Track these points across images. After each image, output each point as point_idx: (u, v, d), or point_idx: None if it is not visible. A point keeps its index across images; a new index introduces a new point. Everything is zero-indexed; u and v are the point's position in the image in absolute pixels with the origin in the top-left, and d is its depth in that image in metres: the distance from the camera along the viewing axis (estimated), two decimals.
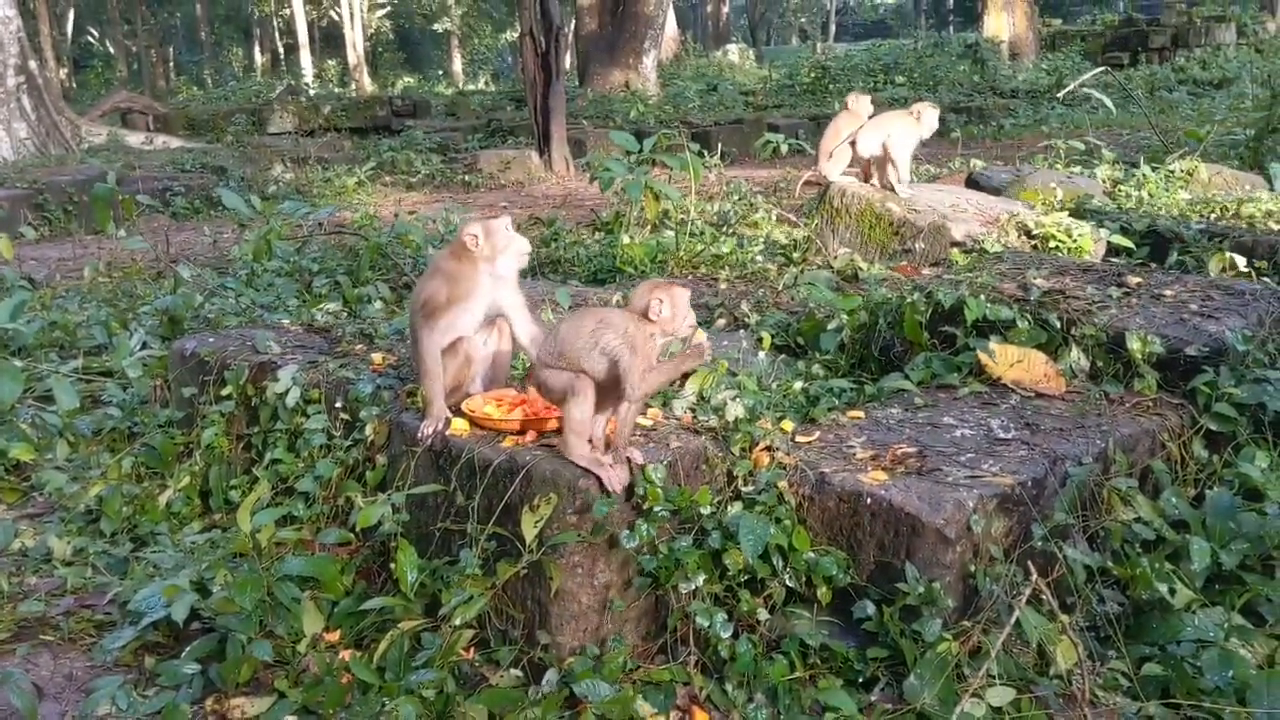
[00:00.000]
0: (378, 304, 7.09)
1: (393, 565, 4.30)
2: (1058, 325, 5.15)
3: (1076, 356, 5.02)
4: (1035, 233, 8.27)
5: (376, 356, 5.39)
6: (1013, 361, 4.98)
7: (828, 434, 4.53)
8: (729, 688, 3.92)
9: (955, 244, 8.19)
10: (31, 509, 5.56)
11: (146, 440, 5.62)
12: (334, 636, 4.24)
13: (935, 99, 18.43)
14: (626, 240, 8.63)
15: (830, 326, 5.90)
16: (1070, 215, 8.52)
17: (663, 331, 3.97)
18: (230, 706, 3.98)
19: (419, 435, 4.45)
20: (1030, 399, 4.83)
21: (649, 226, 9.30)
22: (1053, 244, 8.00)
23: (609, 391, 4.00)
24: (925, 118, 8.69)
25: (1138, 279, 5.73)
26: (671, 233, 8.85)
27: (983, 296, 5.32)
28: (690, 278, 7.81)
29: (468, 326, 4.56)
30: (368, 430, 4.82)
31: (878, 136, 8.67)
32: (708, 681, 3.97)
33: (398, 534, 4.34)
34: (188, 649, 4.14)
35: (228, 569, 4.25)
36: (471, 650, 4.19)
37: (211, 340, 5.75)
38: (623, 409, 4.00)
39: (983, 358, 5.02)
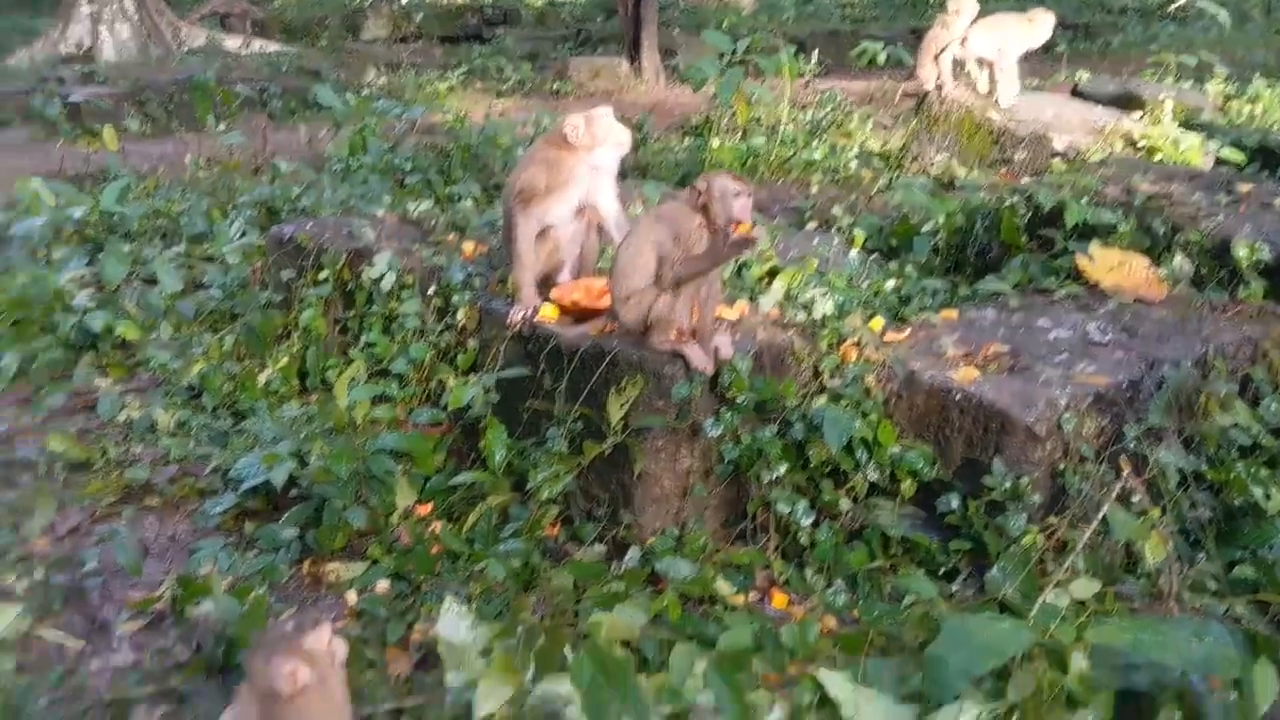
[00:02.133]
0: (468, 202, 7.14)
1: (482, 445, 4.40)
2: (1161, 231, 5.01)
3: (1179, 262, 4.88)
4: (1141, 145, 8.02)
5: (468, 246, 5.45)
6: (1112, 266, 4.86)
7: (918, 333, 4.49)
8: (808, 573, 3.97)
9: (1056, 154, 7.97)
10: (137, 384, 5.76)
11: (246, 321, 5.77)
12: (425, 509, 4.37)
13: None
14: (716, 144, 8.54)
15: (925, 229, 5.82)
16: (1180, 127, 8.23)
17: (709, 220, 3.89)
18: (325, 570, 4.14)
19: (509, 320, 4.52)
20: (1129, 304, 4.72)
21: (740, 132, 9.19)
22: (1159, 156, 7.75)
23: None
24: (1040, 22, 8.40)
25: (1247, 186, 5.53)
26: (762, 138, 8.73)
27: (1085, 200, 5.19)
28: (780, 183, 7.73)
29: (561, 215, 4.59)
30: (459, 315, 4.89)
31: (988, 37, 8.40)
32: (786, 566, 4.03)
33: (487, 414, 4.44)
34: (286, 515, 4.30)
35: (325, 441, 4.38)
36: (556, 527, 4.29)
37: (309, 226, 5.86)
38: (700, 297, 3.99)
39: (1081, 261, 4.91)
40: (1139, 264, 4.88)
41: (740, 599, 3.86)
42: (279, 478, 4.24)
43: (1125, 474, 3.52)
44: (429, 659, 3.59)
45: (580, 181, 4.54)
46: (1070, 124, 8.32)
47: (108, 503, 4.61)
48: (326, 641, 2.71)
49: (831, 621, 3.76)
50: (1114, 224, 5.06)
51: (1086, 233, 5.11)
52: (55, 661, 3.63)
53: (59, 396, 5.54)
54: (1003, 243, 5.41)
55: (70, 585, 4.03)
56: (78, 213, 7.34)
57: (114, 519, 4.49)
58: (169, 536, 4.41)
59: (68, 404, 5.52)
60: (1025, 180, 7.63)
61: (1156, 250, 5.00)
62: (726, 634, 3.60)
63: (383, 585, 4.01)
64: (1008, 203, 5.39)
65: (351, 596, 3.96)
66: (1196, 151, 7.58)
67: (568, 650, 3.44)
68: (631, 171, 8.79)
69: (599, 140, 4.53)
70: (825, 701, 3.27)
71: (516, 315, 4.50)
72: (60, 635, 3.77)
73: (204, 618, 3.81)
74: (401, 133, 9.83)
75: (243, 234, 7.06)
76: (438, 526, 4.20)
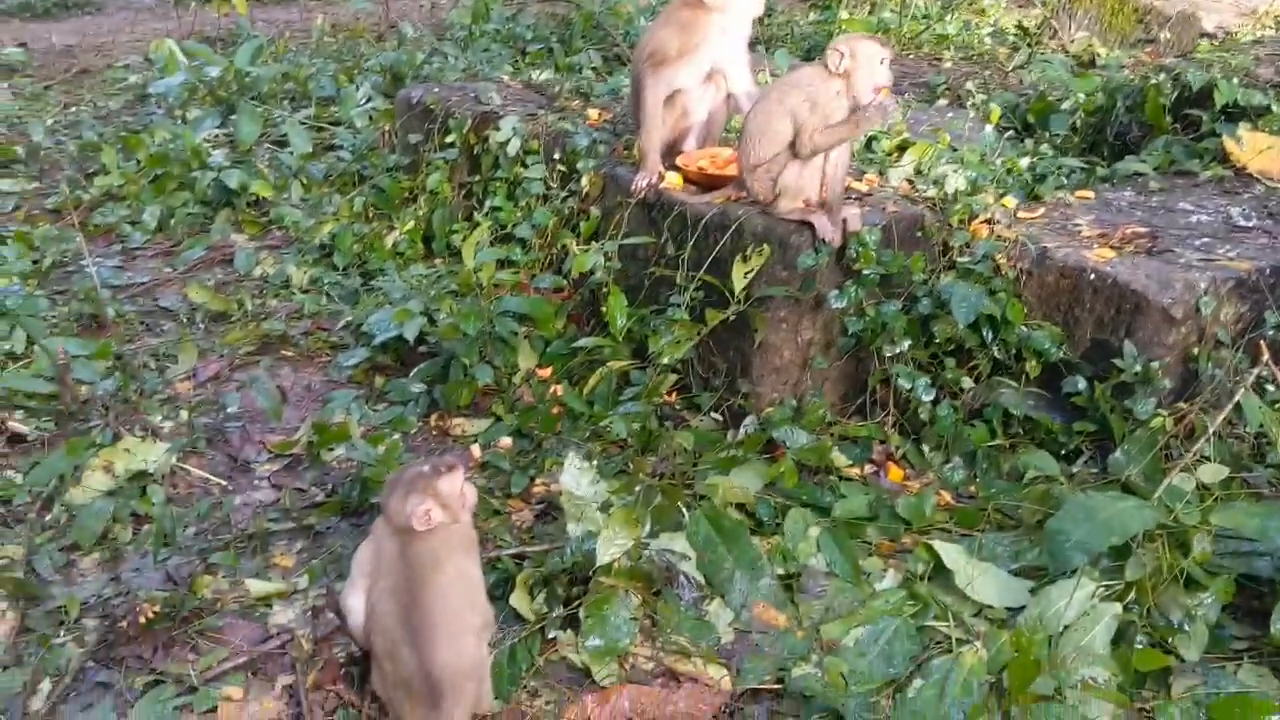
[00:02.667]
0: (589, 72, 7.09)
1: (603, 310, 4.46)
2: None
3: None
4: None
5: (592, 113, 5.44)
6: (1261, 149, 4.64)
7: (1052, 211, 4.37)
8: (925, 449, 3.97)
9: (1205, 35, 7.56)
10: (270, 241, 5.96)
11: (375, 183, 5.89)
12: (546, 372, 4.47)
13: None
14: (845, 16, 8.28)
15: (1063, 107, 5.60)
16: None
17: (849, 87, 3.78)
18: (452, 424, 4.29)
19: (633, 187, 4.52)
20: (1277, 189, 4.51)
21: (869, 4, 8.90)
22: None
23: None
24: None
25: None
26: (892, 12, 8.44)
27: (1235, 80, 4.93)
28: (911, 58, 7.49)
29: (691, 79, 4.52)
30: (583, 181, 4.91)
31: None
32: (904, 442, 4.03)
33: (609, 281, 4.48)
34: (415, 370, 4.45)
35: (452, 300, 4.49)
36: (674, 394, 4.35)
37: (436, 90, 5.90)
38: (829, 167, 3.93)
39: (1228, 143, 4.69)
40: None
41: (856, 471, 3.90)
42: (410, 332, 4.37)
43: (1265, 359, 3.41)
44: (549, 511, 3.72)
45: (712, 45, 4.46)
46: (1221, 3, 7.85)
47: (245, 352, 4.82)
48: (459, 485, 2.82)
49: (948, 496, 3.78)
50: (1265, 106, 4.82)
51: (1235, 115, 4.87)
52: (201, 496, 3.86)
53: (198, 250, 5.77)
54: (1144, 123, 5.19)
55: (213, 427, 4.25)
56: (213, 72, 7.50)
57: (252, 367, 4.70)
58: (304, 386, 4.61)
59: (206, 257, 5.75)
60: (1170, 60, 7.28)
61: None
62: (842, 501, 3.66)
63: (506, 441, 4.14)
64: (1153, 81, 5.15)
65: (476, 450, 4.10)
66: None
67: (684, 509, 3.53)
68: (757, 44, 8.60)
69: (727, 4, 4.43)
70: (939, 571, 3.31)
71: (641, 182, 4.49)
72: (205, 472, 4.00)
73: (339, 461, 4.01)
74: (523, 1, 9.76)
75: (369, 99, 7.15)
76: (559, 388, 4.30)
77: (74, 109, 8.25)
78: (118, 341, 4.77)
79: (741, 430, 4.06)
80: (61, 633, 3.18)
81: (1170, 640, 3.01)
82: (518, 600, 3.20)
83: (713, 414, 4.24)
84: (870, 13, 8.83)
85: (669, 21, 4.47)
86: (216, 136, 6.98)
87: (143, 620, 3.14)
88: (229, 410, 4.34)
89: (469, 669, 2.74)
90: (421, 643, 2.68)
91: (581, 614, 3.13)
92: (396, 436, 4.01)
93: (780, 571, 3.41)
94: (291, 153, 6.51)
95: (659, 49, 4.41)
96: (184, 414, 4.29)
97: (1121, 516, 3.10)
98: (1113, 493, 3.30)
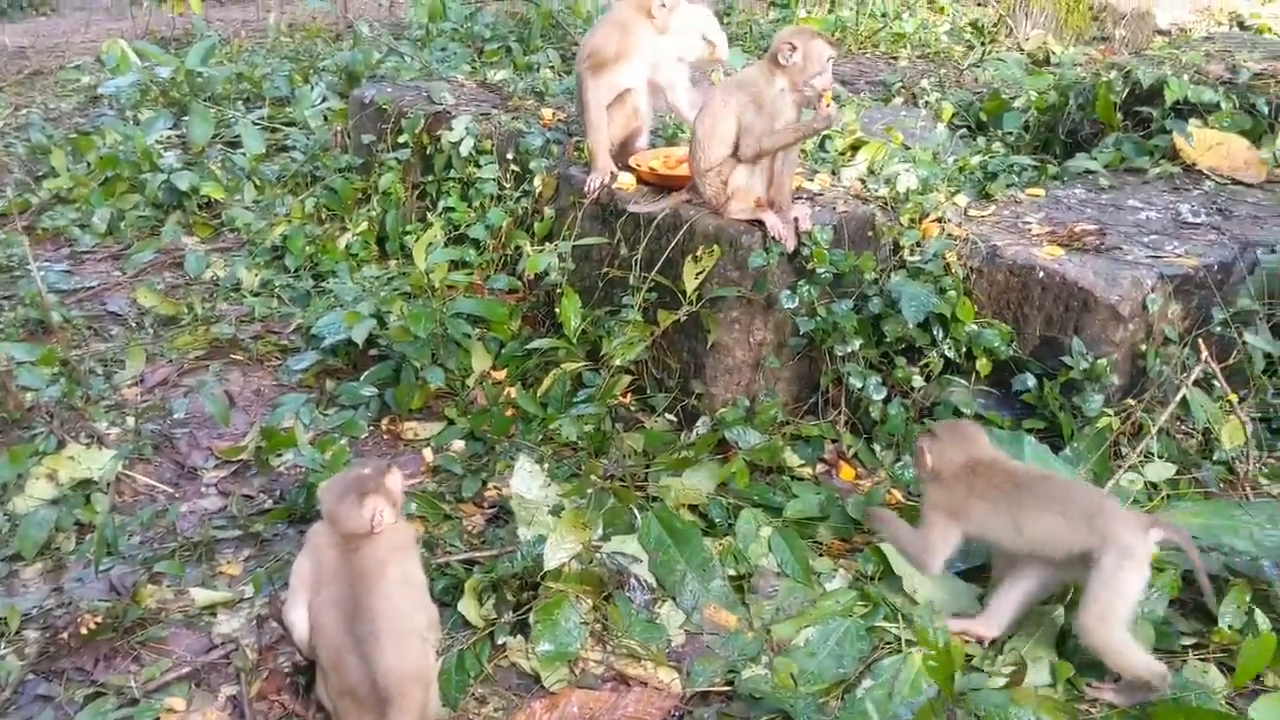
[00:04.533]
0: (547, 71, 7.05)
1: (557, 312, 4.43)
2: (1265, 111, 4.79)
3: None
4: (1250, 23, 7.62)
5: (546, 112, 5.41)
6: (1211, 145, 4.68)
7: (1003, 210, 4.38)
8: (877, 448, 3.98)
9: (1159, 31, 7.63)
10: (222, 243, 5.90)
11: (327, 184, 5.84)
12: (500, 374, 4.44)
13: None
14: (802, 15, 8.29)
15: (1015, 105, 5.62)
16: None
17: (793, 85, 3.76)
18: (403, 428, 4.25)
19: (586, 188, 4.50)
20: (1225, 185, 4.55)
21: (827, 2, 8.91)
22: (1268, 36, 7.36)
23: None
24: None
25: None
26: (850, 10, 8.46)
27: (1186, 77, 4.97)
28: (868, 56, 7.50)
29: (635, 80, 4.51)
30: (537, 182, 4.89)
31: None
32: (856, 440, 4.03)
33: (563, 282, 4.46)
34: (365, 373, 4.41)
35: (404, 302, 4.45)
36: (628, 395, 4.33)
37: (390, 90, 5.86)
38: (776, 167, 3.92)
39: (1178, 140, 4.72)
40: (1238, 145, 4.69)
41: (808, 470, 3.90)
42: (360, 335, 4.33)
43: (1204, 357, 3.43)
44: (501, 515, 3.69)
45: (650, 49, 4.45)
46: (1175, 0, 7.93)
47: (195, 356, 4.77)
48: (401, 483, 2.80)
49: (899, 495, 3.78)
50: (1215, 103, 4.85)
51: (1186, 111, 4.90)
52: (147, 503, 3.81)
53: (148, 253, 5.70)
54: (1096, 120, 5.21)
55: (160, 433, 4.19)
56: (164, 72, 7.41)
57: (201, 372, 4.65)
58: (253, 391, 4.56)
59: (156, 260, 5.68)
60: (1122, 58, 7.34)
61: (1258, 131, 4.79)
62: (793, 502, 3.65)
63: (458, 444, 4.11)
64: (1104, 79, 5.17)
65: (428, 454, 4.07)
66: None
67: (636, 511, 3.52)
68: None
69: (670, 28, 4.43)
70: (887, 572, 3.31)
71: (594, 183, 4.47)
72: (152, 480, 3.94)
73: (288, 467, 3.97)
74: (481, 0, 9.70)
75: (324, 99, 7.09)
76: (512, 391, 4.28)
77: (24, 111, 8.12)
78: (64, 347, 4.70)
79: (695, 431, 4.05)
80: (2, 644, 3.12)
81: None
82: (466, 606, 3.17)
83: (667, 415, 4.23)
84: (830, 10, 8.84)
85: (608, 23, 4.48)
86: (168, 138, 6.90)
87: (84, 631, 3.09)
88: (176, 416, 4.29)
89: (415, 674, 2.71)
90: (367, 649, 2.65)
91: (531, 619, 3.11)
92: (343, 442, 3.97)
93: (732, 572, 3.40)
94: (244, 154, 6.44)
95: (597, 50, 4.40)
96: (130, 420, 4.23)
97: None
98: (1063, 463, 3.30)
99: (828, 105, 3.77)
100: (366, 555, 2.71)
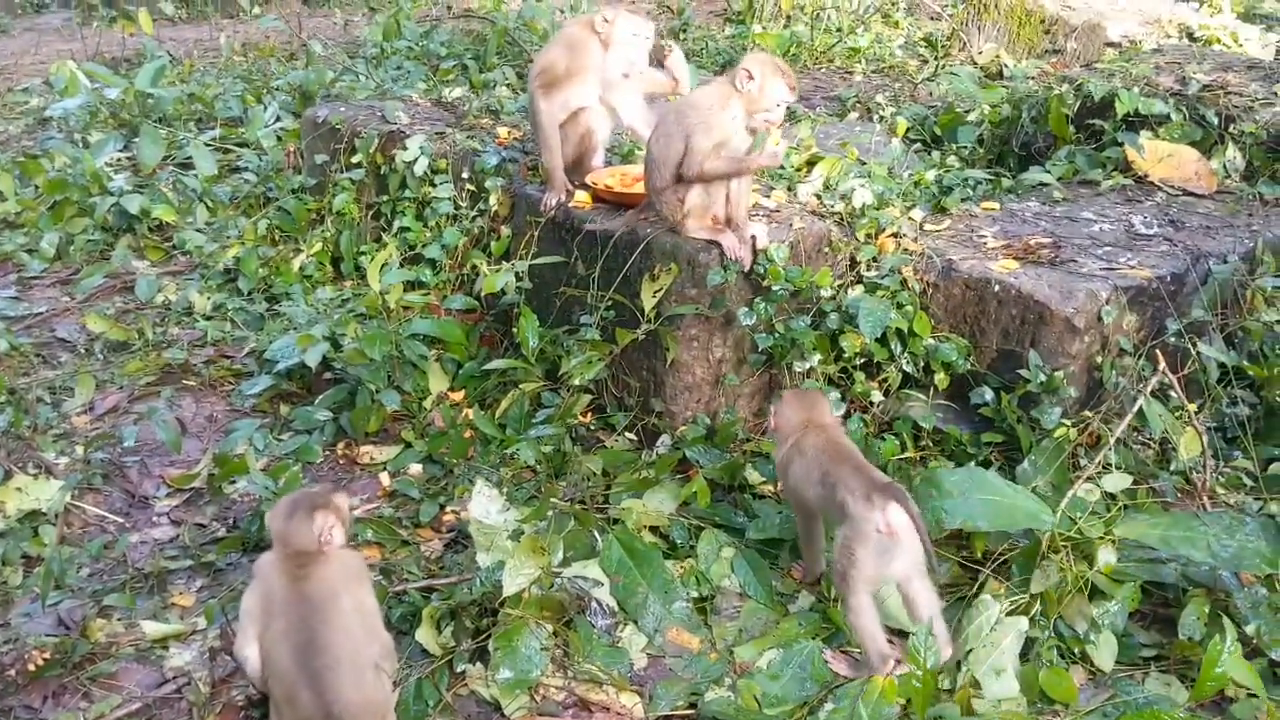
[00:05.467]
0: (503, 89, 7.03)
1: (514, 332, 4.39)
2: (1215, 122, 4.85)
3: (1232, 155, 4.73)
4: (1199, 35, 7.73)
5: (502, 131, 5.38)
6: (1162, 157, 4.73)
7: (958, 224, 4.40)
8: None
9: (1110, 44, 7.71)
10: (174, 266, 5.80)
11: (280, 205, 5.77)
12: (458, 396, 4.40)
13: None
14: (758, 30, 8.32)
15: (969, 119, 5.66)
16: (1239, 18, 7.93)
17: (748, 112, 3.74)
18: (360, 452, 4.19)
19: (542, 206, 4.47)
20: (1177, 196, 4.60)
21: (783, 19, 8.95)
22: (1217, 48, 7.46)
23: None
24: None
25: None
26: (805, 25, 8.50)
27: (1136, 89, 5.02)
28: (823, 71, 7.54)
29: (587, 98, 4.48)
30: (492, 201, 4.85)
31: None
32: None
33: (520, 302, 4.42)
34: (320, 397, 4.34)
35: (358, 324, 4.40)
36: (588, 415, 4.30)
37: (343, 109, 5.80)
38: (732, 185, 3.90)
39: (1130, 152, 4.77)
40: (1189, 156, 4.75)
41: (769, 488, 3.87)
42: (313, 359, 4.27)
43: (1160, 368, 3.45)
44: (460, 540, 3.65)
45: (599, 67, 4.43)
46: (1125, 13, 8.04)
47: (146, 382, 4.68)
48: (349, 503, 2.76)
49: None
50: (1166, 114, 4.90)
51: (1137, 123, 4.96)
52: (96, 534, 3.73)
53: (97, 278, 5.60)
54: (1049, 133, 5.26)
55: (110, 462, 4.11)
56: (113, 93, 7.31)
57: (152, 398, 4.56)
58: (206, 417, 4.48)
59: (106, 285, 5.58)
60: (1074, 71, 7.42)
61: (1209, 142, 4.86)
62: (755, 522, 3.63)
63: (416, 468, 4.06)
64: (1056, 91, 5.22)
65: (385, 478, 4.02)
66: (1256, 43, 7.30)
67: (597, 534, 3.48)
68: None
69: (616, 41, 4.41)
70: None
71: (550, 201, 4.45)
72: (102, 510, 3.86)
73: (241, 494, 3.90)
74: (437, 17, 9.66)
75: (277, 119, 7.01)
76: (470, 412, 4.23)
77: None
78: (11, 375, 4.61)
79: (655, 450, 4.02)
80: None
81: (1078, 651, 3.04)
82: (424, 635, 3.12)
83: (627, 434, 4.20)
84: (785, 26, 8.88)
85: (559, 42, 4.47)
86: (118, 160, 6.79)
87: (32, 668, 3.03)
88: (127, 444, 4.20)
89: (372, 705, 2.66)
90: (321, 683, 2.59)
91: (491, 646, 3.07)
92: (296, 468, 3.91)
93: (694, 594, 3.38)
94: (196, 175, 6.34)
95: (548, 68, 4.39)
96: (80, 449, 4.15)
97: (1014, 507, 3.14)
98: (1016, 487, 3.31)
99: (775, 144, 3.79)
100: (318, 583, 2.66)
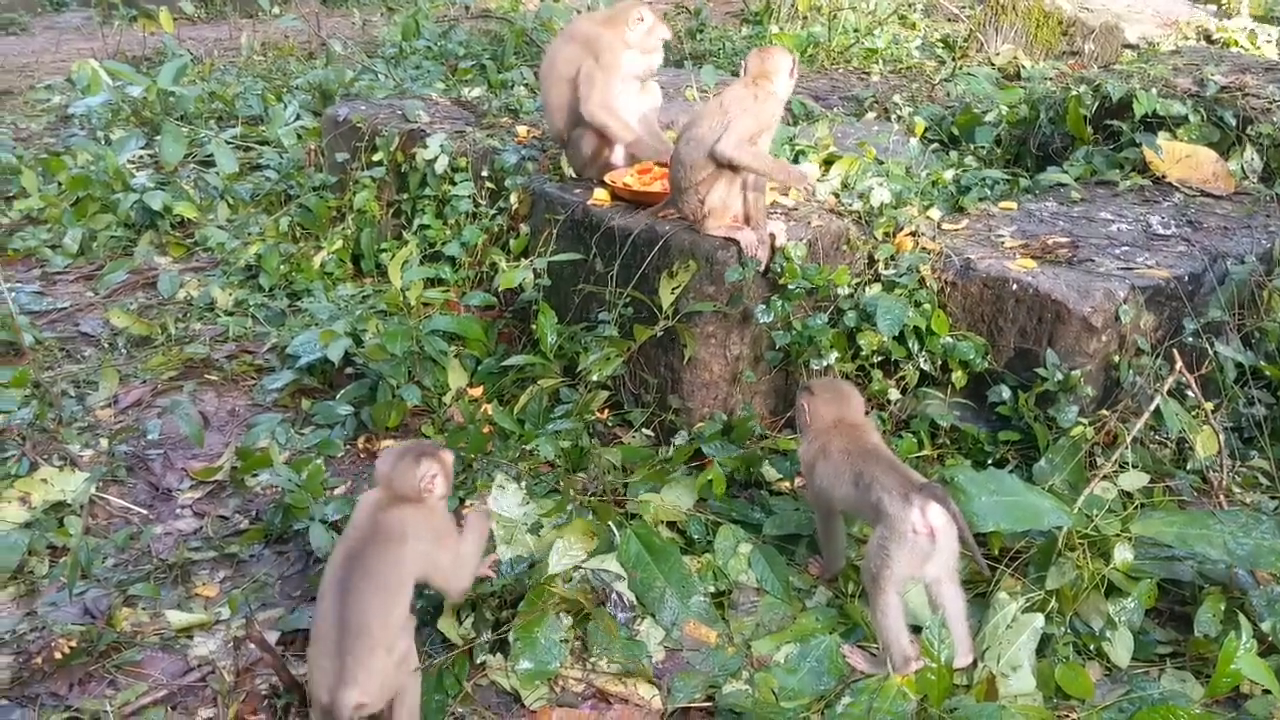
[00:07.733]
0: (521, 89, 7.07)
1: (533, 328, 4.43)
2: (1233, 123, 4.86)
3: (1250, 156, 4.74)
4: (1216, 37, 7.72)
5: (521, 129, 5.42)
6: (1180, 158, 4.73)
7: (976, 223, 4.42)
8: None
9: (1128, 46, 7.71)
10: (195, 263, 5.86)
11: (301, 202, 5.82)
12: (477, 391, 4.43)
13: None
14: (775, 31, 8.34)
15: (987, 119, 5.67)
16: (1257, 20, 7.91)
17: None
18: (380, 447, 4.23)
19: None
20: (1195, 197, 4.61)
21: (800, 19, 8.97)
22: (1235, 50, 7.45)
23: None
24: None
25: None
26: (822, 26, 8.52)
27: (1154, 90, 5.03)
28: (840, 71, 7.55)
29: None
30: (512, 199, 4.89)
31: None
32: None
33: (539, 298, 4.45)
34: (341, 392, 4.38)
35: (379, 320, 4.44)
36: (605, 411, 4.33)
37: (363, 108, 5.85)
38: (751, 180, 3.92)
39: (1148, 153, 4.78)
40: (1207, 157, 4.75)
41: (786, 484, 3.90)
42: (335, 354, 4.31)
43: (1177, 367, 3.46)
44: None
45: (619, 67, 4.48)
46: (1143, 15, 8.03)
47: (168, 377, 4.73)
48: (452, 465, 2.93)
49: None
50: (1184, 115, 4.91)
51: (1155, 124, 4.96)
52: (120, 525, 3.77)
53: (120, 274, 5.66)
54: (1067, 134, 5.27)
55: (134, 455, 4.16)
56: (136, 91, 7.37)
57: (175, 393, 4.61)
58: (228, 411, 4.53)
59: (129, 281, 5.64)
60: (1091, 72, 7.42)
61: (1226, 143, 4.86)
62: (771, 519, 3.65)
63: None
64: (1074, 92, 5.23)
65: None
66: (1274, 45, 7.29)
67: (615, 529, 3.51)
68: (689, 60, 8.63)
69: (634, 43, 4.46)
70: None
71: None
72: (126, 502, 3.90)
73: (263, 487, 3.94)
74: (455, 17, 9.72)
75: (297, 117, 7.07)
76: (489, 408, 4.26)
77: None
78: (36, 369, 4.66)
79: (672, 446, 4.05)
80: None
81: (1094, 648, 3.05)
82: (445, 625, 3.15)
83: (644, 430, 4.23)
84: (802, 27, 8.90)
85: (573, 39, 4.55)
86: (140, 158, 6.86)
87: (58, 656, 3.06)
88: (150, 437, 4.25)
89: (387, 630, 2.64)
90: (347, 594, 2.60)
91: (511, 637, 3.09)
92: (319, 461, 3.94)
93: (711, 589, 3.40)
94: (217, 173, 6.41)
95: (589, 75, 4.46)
96: (104, 442, 4.19)
97: (1031, 507, 3.15)
98: (1033, 487, 3.32)
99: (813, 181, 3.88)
100: (394, 517, 2.73)
